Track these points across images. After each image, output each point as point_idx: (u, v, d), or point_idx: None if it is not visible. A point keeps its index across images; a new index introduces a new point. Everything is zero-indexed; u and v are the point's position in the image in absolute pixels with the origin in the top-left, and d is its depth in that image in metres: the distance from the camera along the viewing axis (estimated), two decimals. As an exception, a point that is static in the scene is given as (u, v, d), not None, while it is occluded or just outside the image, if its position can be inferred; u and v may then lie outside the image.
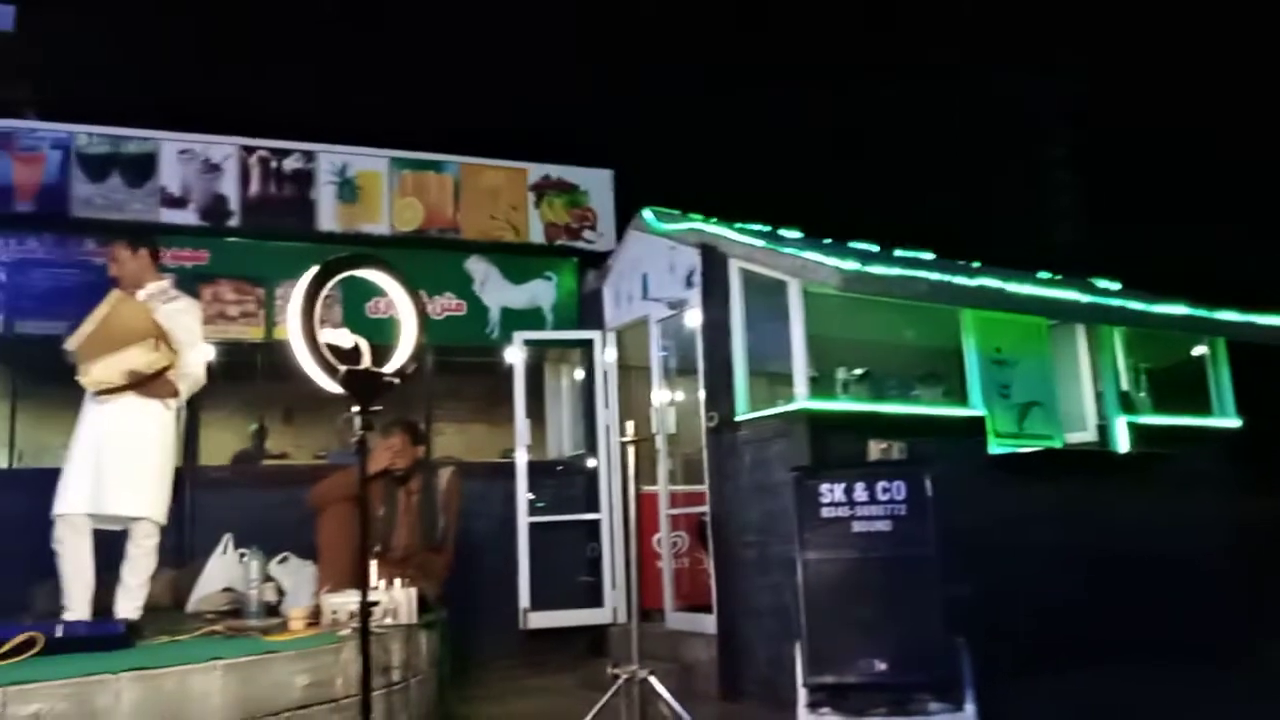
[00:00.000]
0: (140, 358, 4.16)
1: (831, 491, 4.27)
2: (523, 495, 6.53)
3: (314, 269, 2.93)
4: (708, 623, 5.59)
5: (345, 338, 2.93)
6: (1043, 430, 5.71)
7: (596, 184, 7.65)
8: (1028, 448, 5.54)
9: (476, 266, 7.12)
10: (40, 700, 2.97)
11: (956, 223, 9.59)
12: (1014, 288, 5.82)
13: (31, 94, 7.01)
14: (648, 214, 6.54)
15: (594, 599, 6.56)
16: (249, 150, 6.76)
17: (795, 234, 6.41)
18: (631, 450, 4.29)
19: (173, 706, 3.18)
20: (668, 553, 6.28)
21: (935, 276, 5.48)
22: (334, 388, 2.87)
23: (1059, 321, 6.14)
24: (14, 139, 6.32)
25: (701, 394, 5.75)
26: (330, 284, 2.94)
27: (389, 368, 2.99)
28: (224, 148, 6.70)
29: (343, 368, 2.85)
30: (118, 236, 4.65)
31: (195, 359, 4.41)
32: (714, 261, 5.76)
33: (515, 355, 6.79)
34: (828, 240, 6.39)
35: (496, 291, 7.15)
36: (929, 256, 6.56)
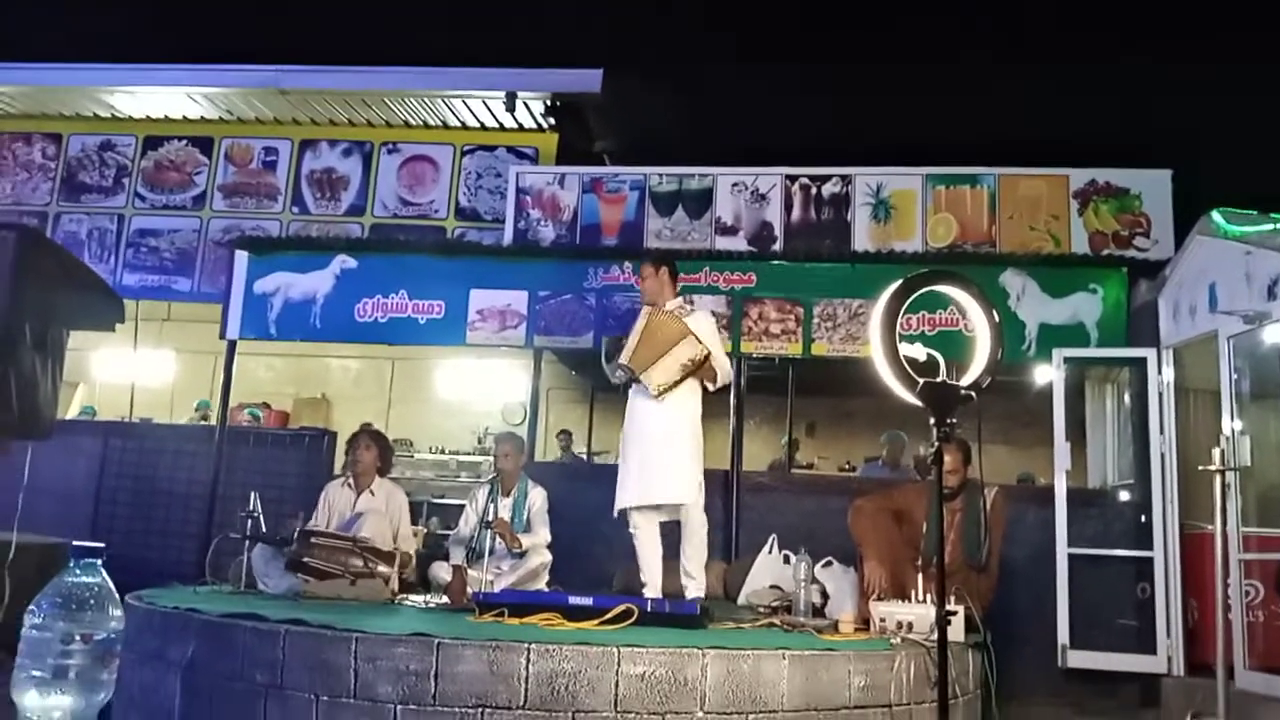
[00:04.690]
0: (688, 351, 4.81)
1: None
2: (1061, 523, 6.12)
3: (895, 284, 3.05)
4: (1294, 689, 4.79)
5: (920, 351, 3.01)
6: None
7: (1151, 186, 6.95)
8: None
9: (1013, 280, 6.79)
10: (644, 664, 3.43)
11: None
12: None
13: (613, 145, 8.24)
14: (1217, 216, 5.78)
15: (1143, 644, 5.93)
16: (792, 179, 7.29)
17: None
18: (1218, 482, 3.82)
19: (747, 686, 3.48)
20: (1239, 603, 5.47)
21: None
22: (912, 399, 2.96)
23: None
24: (603, 183, 7.52)
25: (1289, 422, 4.95)
26: (910, 299, 3.03)
27: (965, 381, 3.00)
28: (770, 178, 7.32)
29: (921, 380, 2.92)
30: (644, 258, 5.44)
31: (720, 356, 5.01)
32: (1308, 268, 4.93)
33: (1054, 374, 6.40)
34: None
35: (1034, 306, 6.75)
36: None
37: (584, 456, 9.73)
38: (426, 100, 8.77)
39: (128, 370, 9.01)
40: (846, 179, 7.23)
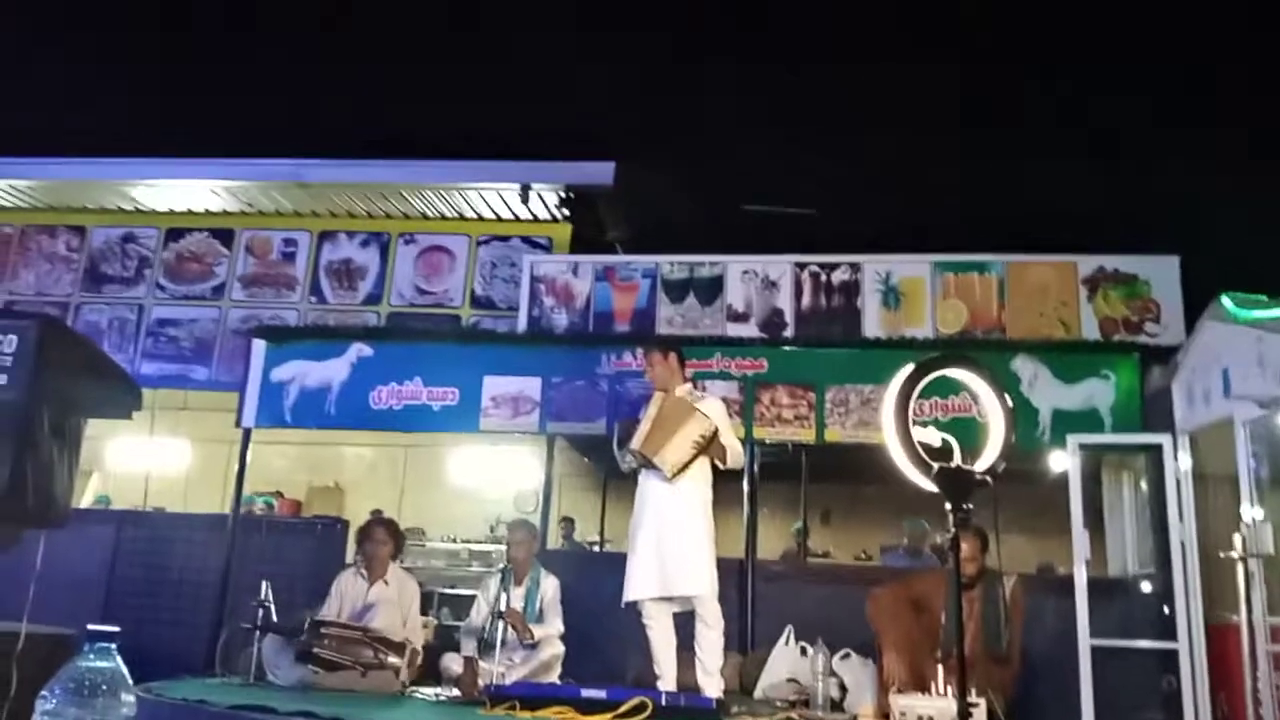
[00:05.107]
0: (697, 428, 4.81)
1: None
2: (1083, 613, 5.99)
3: (907, 368, 3.07)
4: (1335, 790, 4.61)
5: (934, 436, 3.01)
6: None
7: (1159, 272, 7.04)
8: None
9: (1025, 366, 6.79)
10: (658, 756, 3.36)
11: None
12: None
13: (625, 233, 8.40)
14: (1226, 301, 5.80)
15: (1173, 740, 5.75)
16: (801, 267, 7.43)
17: None
18: (1241, 571, 3.76)
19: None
20: (1270, 698, 5.33)
21: None
22: (927, 485, 2.95)
23: None
24: (615, 272, 7.66)
25: (1311, 508, 4.88)
26: (922, 383, 3.04)
27: (980, 466, 3.00)
28: (780, 266, 7.46)
29: (935, 465, 2.92)
30: (651, 346, 5.49)
31: (731, 438, 5.02)
32: (1322, 352, 4.93)
33: (1070, 460, 6.35)
34: None
35: (1047, 392, 6.73)
36: None
37: (588, 544, 9.65)
38: (443, 193, 8.97)
39: (143, 458, 9.03)
40: (855, 267, 7.36)
